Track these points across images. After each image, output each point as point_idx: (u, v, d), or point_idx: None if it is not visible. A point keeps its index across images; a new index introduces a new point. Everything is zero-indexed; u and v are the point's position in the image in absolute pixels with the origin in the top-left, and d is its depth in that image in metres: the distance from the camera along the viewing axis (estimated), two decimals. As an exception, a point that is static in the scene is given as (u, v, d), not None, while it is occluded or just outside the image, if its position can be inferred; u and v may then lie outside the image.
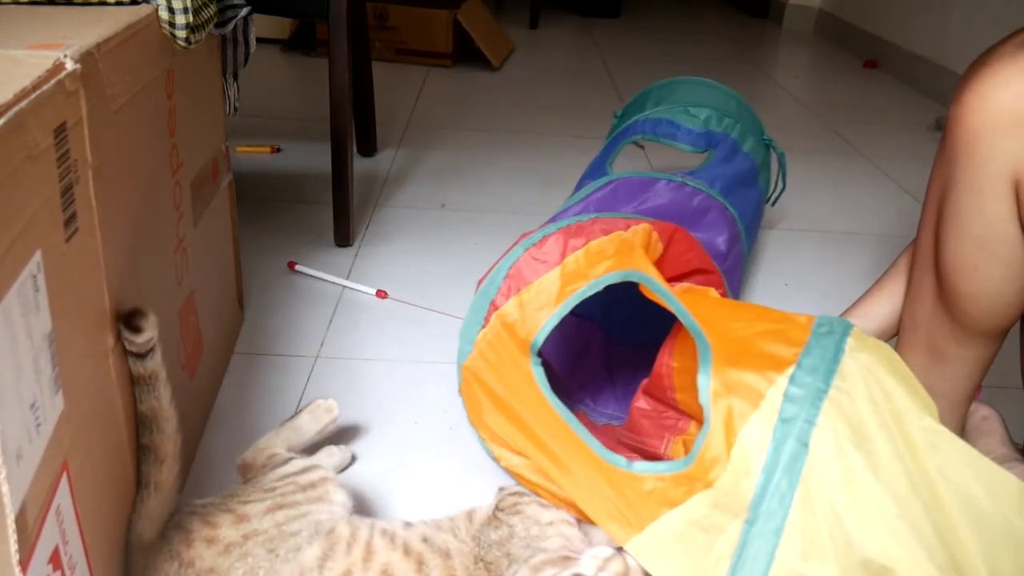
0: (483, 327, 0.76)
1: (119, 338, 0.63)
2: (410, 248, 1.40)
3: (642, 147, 1.16)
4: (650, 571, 0.63)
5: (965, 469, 0.49)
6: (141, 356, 0.64)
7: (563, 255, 0.75)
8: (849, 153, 2.08)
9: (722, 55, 3.20)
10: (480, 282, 0.79)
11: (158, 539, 0.66)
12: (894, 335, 0.93)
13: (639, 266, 0.72)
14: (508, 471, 0.82)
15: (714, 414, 0.58)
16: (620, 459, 0.67)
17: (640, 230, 0.77)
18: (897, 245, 1.54)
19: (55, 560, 0.52)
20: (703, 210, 1.02)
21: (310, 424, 0.84)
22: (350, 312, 1.21)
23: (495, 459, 0.83)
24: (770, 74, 2.95)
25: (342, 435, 0.94)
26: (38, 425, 0.48)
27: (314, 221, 1.46)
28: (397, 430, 0.97)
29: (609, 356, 1.08)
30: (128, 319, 0.63)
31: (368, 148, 1.78)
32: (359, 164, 1.73)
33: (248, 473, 0.76)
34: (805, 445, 0.51)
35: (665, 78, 1.35)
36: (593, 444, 0.69)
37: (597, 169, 1.17)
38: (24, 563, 0.46)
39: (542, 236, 0.77)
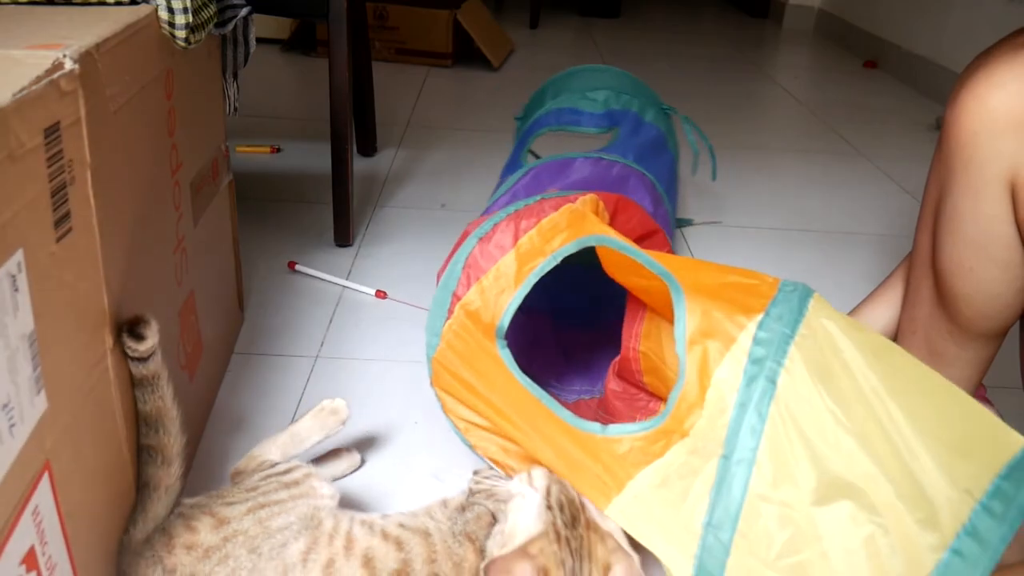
0: (448, 319, 0.78)
1: (118, 339, 0.63)
2: (410, 248, 1.40)
3: (537, 156, 1.17)
4: (632, 532, 0.63)
5: (914, 389, 0.54)
6: (143, 360, 0.64)
7: (516, 238, 0.77)
8: (849, 153, 2.08)
9: (722, 55, 3.19)
10: (439, 276, 0.80)
11: (143, 543, 0.66)
12: (894, 340, 0.93)
13: (594, 231, 0.73)
14: (486, 459, 0.82)
15: (689, 361, 0.59)
16: (594, 425, 0.68)
17: (588, 200, 0.78)
18: (897, 245, 1.54)
19: (30, 560, 0.51)
20: (623, 178, 1.03)
21: (313, 430, 0.81)
22: (350, 312, 1.21)
23: (472, 448, 0.83)
24: (770, 74, 2.95)
25: (343, 435, 0.94)
26: (12, 426, 0.48)
27: (314, 221, 1.46)
28: (397, 430, 0.97)
29: (561, 342, 1.11)
30: (131, 327, 0.63)
31: (368, 148, 1.78)
32: (359, 164, 1.73)
33: (238, 480, 0.75)
34: (773, 383, 0.54)
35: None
36: (565, 415, 0.70)
37: (512, 166, 1.17)
38: (-9, 562, 0.46)
39: (492, 225, 0.78)
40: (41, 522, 0.52)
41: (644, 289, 0.79)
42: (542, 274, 0.75)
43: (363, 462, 0.91)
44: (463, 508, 0.71)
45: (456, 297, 0.78)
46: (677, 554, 0.58)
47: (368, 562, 0.62)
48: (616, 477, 0.64)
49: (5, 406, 0.47)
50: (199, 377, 0.91)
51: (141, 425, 0.67)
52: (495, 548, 0.64)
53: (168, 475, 0.67)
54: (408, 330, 1.17)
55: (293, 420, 0.96)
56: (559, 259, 0.74)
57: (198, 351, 0.90)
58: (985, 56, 0.73)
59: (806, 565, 0.51)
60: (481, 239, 0.78)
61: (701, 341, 0.60)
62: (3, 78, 0.47)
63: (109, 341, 0.62)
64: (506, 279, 0.75)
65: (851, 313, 0.97)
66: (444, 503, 0.73)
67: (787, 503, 0.52)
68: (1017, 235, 0.73)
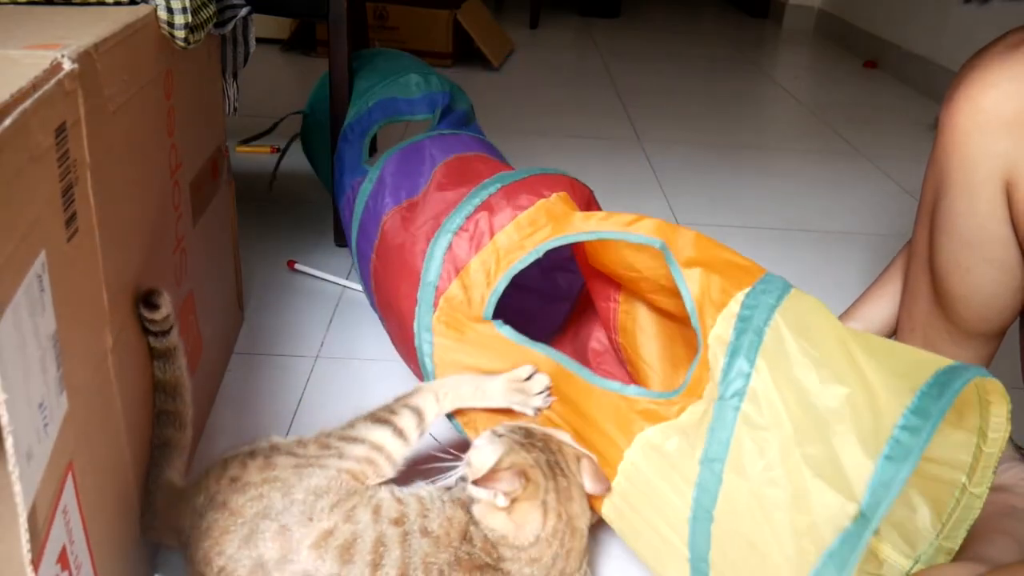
0: (434, 312, 0.79)
1: (134, 312, 0.64)
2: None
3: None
4: (637, 483, 0.67)
5: (876, 342, 0.63)
6: (164, 333, 0.70)
7: (492, 232, 0.78)
8: (849, 153, 2.08)
9: (722, 55, 3.20)
10: (418, 276, 0.81)
11: (187, 484, 0.72)
12: (893, 335, 0.93)
13: (582, 227, 0.76)
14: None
15: (703, 332, 0.65)
16: (615, 383, 0.71)
17: (561, 197, 0.81)
18: (897, 245, 1.54)
19: (63, 560, 0.52)
20: (485, 146, 1.04)
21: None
22: (350, 312, 1.21)
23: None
24: (770, 74, 2.95)
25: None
26: (46, 425, 0.48)
27: (314, 221, 1.46)
28: (397, 430, 0.97)
29: (550, 316, 1.10)
30: (145, 298, 0.68)
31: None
32: (359, 164, 1.73)
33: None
34: (760, 336, 0.61)
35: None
36: (584, 373, 0.73)
37: (353, 170, 1.12)
38: (36, 562, 0.47)
39: (464, 218, 0.80)
40: (69, 521, 0.53)
41: (632, 280, 0.80)
42: (523, 266, 0.77)
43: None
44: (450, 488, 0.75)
45: (439, 291, 0.79)
46: (676, 499, 0.63)
47: (376, 509, 0.68)
48: (628, 432, 0.68)
49: (41, 405, 0.48)
50: (199, 377, 0.91)
51: (160, 393, 0.73)
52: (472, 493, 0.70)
53: (183, 437, 0.74)
54: (408, 330, 1.17)
55: (293, 420, 0.97)
56: (541, 253, 0.77)
57: (198, 351, 0.90)
58: (979, 56, 0.73)
59: (777, 480, 0.57)
60: (456, 232, 0.79)
61: (706, 310, 0.66)
62: (2, 79, 0.47)
63: (110, 341, 0.62)
64: (487, 275, 0.77)
65: (850, 310, 0.97)
66: (435, 484, 0.76)
67: (769, 434, 0.59)
68: (1013, 235, 0.73)
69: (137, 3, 0.71)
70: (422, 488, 0.72)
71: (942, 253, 0.78)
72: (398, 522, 0.67)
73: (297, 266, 1.30)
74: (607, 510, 0.72)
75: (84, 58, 0.55)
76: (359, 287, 1.26)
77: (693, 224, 1.58)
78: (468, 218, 0.80)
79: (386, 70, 1.26)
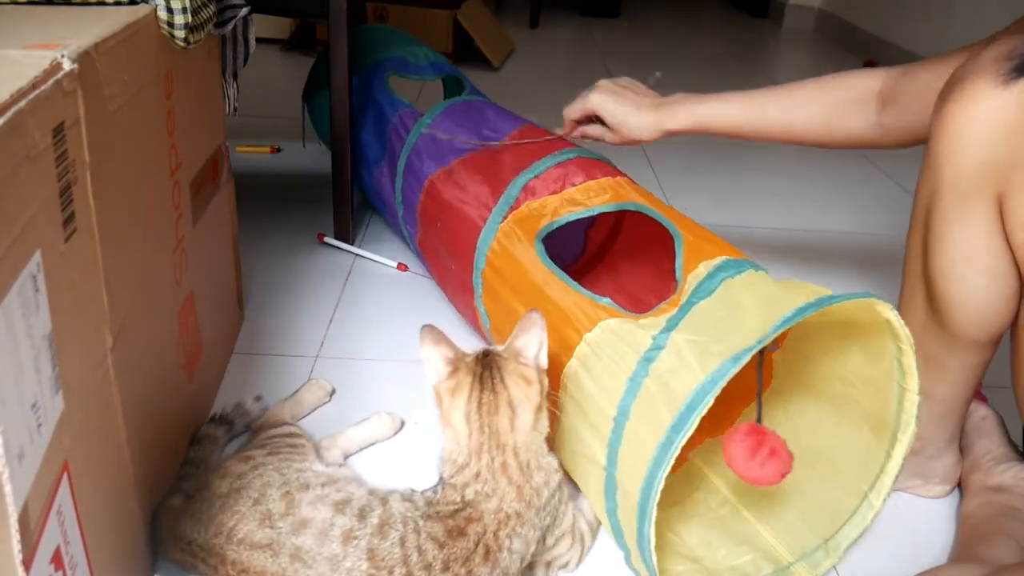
0: (504, 219, 0.97)
1: (118, 338, 0.63)
2: (410, 248, 1.40)
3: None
4: (592, 354, 0.78)
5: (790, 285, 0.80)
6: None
7: (562, 186, 0.98)
8: (849, 153, 2.08)
9: (722, 55, 3.20)
10: (497, 199, 1.01)
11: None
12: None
13: (636, 199, 0.98)
14: None
15: (683, 280, 0.83)
16: (605, 299, 0.83)
17: (627, 180, 1.02)
18: (897, 245, 1.54)
19: (57, 560, 0.52)
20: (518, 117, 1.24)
21: (308, 398, 1.00)
22: (350, 312, 1.21)
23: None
24: (770, 74, 2.95)
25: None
26: (39, 425, 0.48)
27: (314, 221, 1.46)
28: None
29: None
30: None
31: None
32: (359, 164, 1.73)
33: (257, 433, 0.89)
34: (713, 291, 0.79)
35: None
36: (577, 287, 0.86)
37: (393, 104, 1.32)
38: (27, 563, 0.46)
39: (545, 169, 1.00)
40: (64, 522, 0.53)
41: None
42: (582, 216, 0.96)
43: (403, 424, 0.97)
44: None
45: (512, 208, 0.98)
46: (613, 382, 0.75)
47: (360, 485, 0.79)
48: (594, 323, 0.81)
49: (34, 406, 0.48)
50: (198, 377, 0.91)
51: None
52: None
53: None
54: (408, 330, 1.17)
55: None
56: (596, 212, 0.96)
57: (198, 351, 0.90)
58: (968, 66, 0.72)
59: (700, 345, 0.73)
60: (536, 175, 1.00)
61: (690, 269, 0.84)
62: (1, 78, 0.47)
63: (109, 341, 0.62)
64: (551, 209, 0.96)
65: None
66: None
67: (696, 340, 0.73)
68: (1006, 244, 0.73)
69: (137, 3, 0.71)
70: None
71: (937, 261, 0.78)
72: (375, 492, 0.76)
73: (326, 239, 1.37)
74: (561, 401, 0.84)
75: (84, 58, 0.55)
76: (381, 259, 1.34)
77: (693, 224, 1.58)
78: (549, 168, 1.00)
79: (395, 39, 1.48)
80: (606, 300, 0.83)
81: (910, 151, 0.92)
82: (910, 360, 0.76)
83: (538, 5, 3.42)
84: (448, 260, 1.09)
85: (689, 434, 0.65)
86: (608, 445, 0.73)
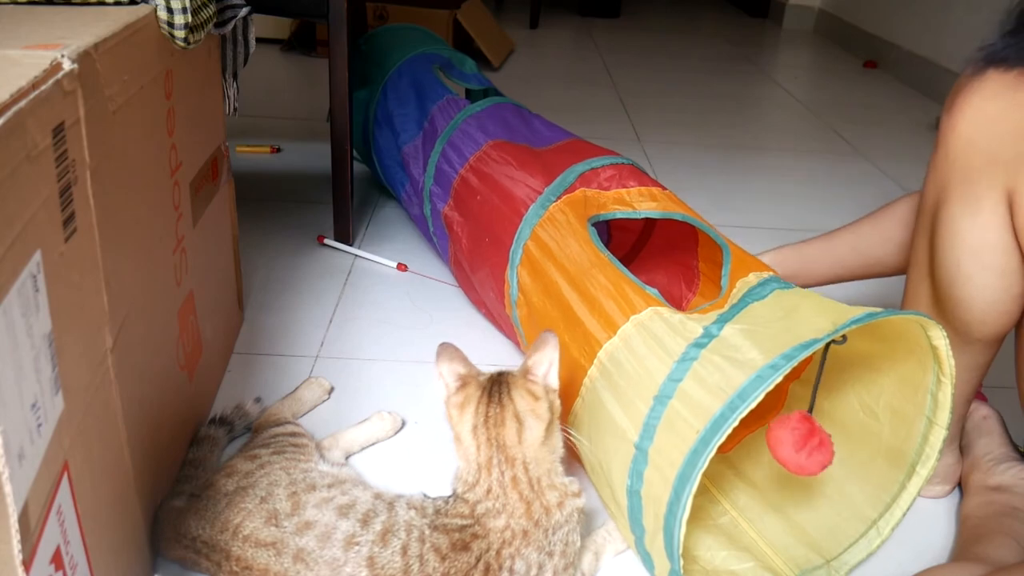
0: (558, 200, 1.00)
1: (118, 338, 0.63)
2: (410, 247, 1.40)
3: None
4: (630, 345, 0.79)
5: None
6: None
7: (616, 185, 1.02)
8: (849, 153, 2.08)
9: (722, 55, 3.20)
10: (552, 179, 1.04)
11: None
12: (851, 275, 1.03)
13: (680, 209, 1.01)
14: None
15: (730, 289, 0.85)
16: (653, 289, 0.84)
17: (669, 194, 1.05)
18: (897, 245, 1.53)
19: (57, 560, 0.52)
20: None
21: (308, 396, 1.00)
22: (350, 312, 1.21)
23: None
24: (770, 74, 2.95)
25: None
26: (39, 425, 0.48)
27: (314, 221, 1.46)
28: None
29: None
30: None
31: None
32: (359, 164, 1.73)
33: (258, 431, 0.89)
34: (763, 298, 0.81)
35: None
36: (627, 272, 0.87)
37: (437, 89, 1.37)
38: (27, 563, 0.46)
39: (601, 165, 1.05)
40: (64, 522, 0.53)
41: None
42: (631, 217, 1.01)
43: (404, 423, 0.97)
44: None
45: (567, 192, 1.01)
46: (657, 363, 0.75)
47: (365, 488, 0.78)
48: (643, 306, 0.82)
49: (33, 406, 0.48)
50: (198, 377, 0.91)
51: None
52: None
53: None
54: (408, 330, 1.17)
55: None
56: (642, 216, 1.01)
57: (198, 351, 0.90)
58: (980, 65, 0.72)
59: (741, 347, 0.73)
60: (593, 168, 1.04)
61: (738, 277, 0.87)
62: (1, 79, 0.47)
63: (109, 341, 0.62)
64: (602, 201, 1.01)
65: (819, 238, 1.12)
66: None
67: (755, 330, 0.74)
68: (1015, 242, 0.73)
69: (137, 3, 0.71)
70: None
71: (944, 259, 0.78)
72: (382, 496, 0.76)
73: (326, 241, 1.38)
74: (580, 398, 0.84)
75: (84, 58, 0.55)
76: (380, 259, 1.35)
77: (693, 224, 1.58)
78: (606, 166, 1.05)
79: (444, 45, 1.58)
80: (654, 291, 0.85)
81: (910, 151, 0.92)
82: (946, 394, 0.76)
83: (538, 5, 3.42)
84: (482, 232, 1.10)
85: (753, 405, 0.65)
86: (645, 422, 0.73)
